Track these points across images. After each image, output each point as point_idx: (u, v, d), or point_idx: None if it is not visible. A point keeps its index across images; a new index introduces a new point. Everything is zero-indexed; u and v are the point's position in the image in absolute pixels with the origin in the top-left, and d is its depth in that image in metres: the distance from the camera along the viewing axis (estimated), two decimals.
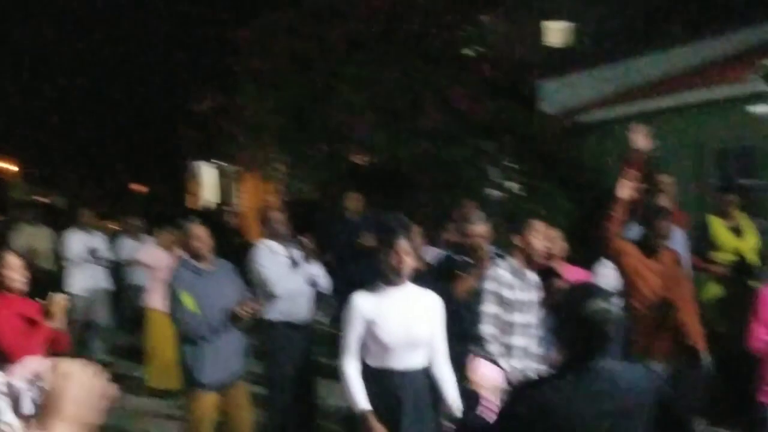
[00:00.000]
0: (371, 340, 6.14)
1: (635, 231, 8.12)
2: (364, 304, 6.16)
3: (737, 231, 10.60)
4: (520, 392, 4.46)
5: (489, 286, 6.98)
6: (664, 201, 8.83)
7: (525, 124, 15.42)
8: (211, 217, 18.42)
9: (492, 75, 15.79)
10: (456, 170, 15.21)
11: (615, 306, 4.28)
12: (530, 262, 7.12)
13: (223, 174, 32.76)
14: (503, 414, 4.46)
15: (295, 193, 19.35)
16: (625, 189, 7.50)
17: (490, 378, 6.25)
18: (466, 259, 7.77)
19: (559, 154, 15.25)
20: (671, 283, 7.49)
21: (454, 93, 15.27)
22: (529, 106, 15.79)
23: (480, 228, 7.85)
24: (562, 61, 16.62)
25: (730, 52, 15.05)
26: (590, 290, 4.41)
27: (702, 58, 15.41)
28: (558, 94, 15.92)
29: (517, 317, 6.98)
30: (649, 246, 7.65)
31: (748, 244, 10.50)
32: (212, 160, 32.12)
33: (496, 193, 15.71)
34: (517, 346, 6.95)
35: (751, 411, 7.25)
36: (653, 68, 15.73)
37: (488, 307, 6.93)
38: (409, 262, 6.16)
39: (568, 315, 4.30)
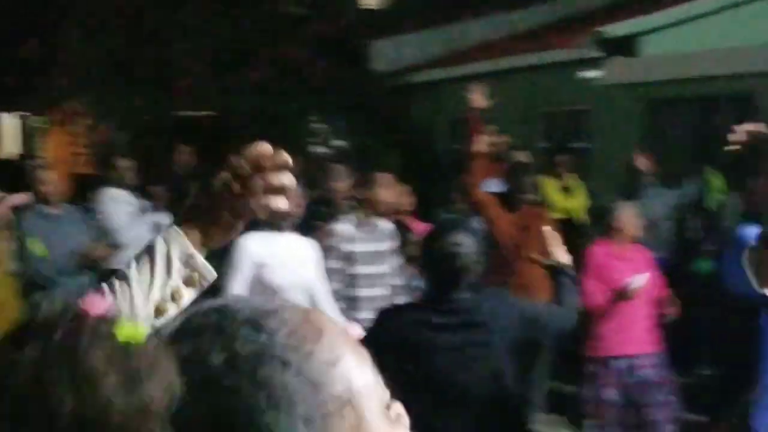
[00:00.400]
0: (259, 284, 6.09)
1: (495, 185, 8.30)
2: (253, 247, 6.11)
3: (567, 191, 10.98)
4: (382, 319, 4.55)
5: (330, 241, 7.02)
6: (524, 157, 9.03)
7: (355, 82, 15.49)
8: (15, 169, 17.75)
9: (324, 33, 15.78)
10: (284, 126, 15.16)
11: (470, 241, 4.42)
12: (378, 213, 7.19)
13: (27, 125, 31.70)
14: (365, 338, 4.55)
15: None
16: (482, 144, 7.65)
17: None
18: (328, 210, 7.84)
19: (388, 113, 15.40)
20: (528, 237, 7.67)
21: (285, 49, 15.21)
22: (359, 65, 15.85)
23: (342, 183, 7.94)
24: (393, 22, 16.71)
25: (564, 16, 15.45)
26: (449, 225, 4.57)
27: (535, 21, 15.76)
28: (389, 54, 16.01)
29: (362, 269, 7.04)
30: (510, 199, 7.83)
31: (578, 204, 10.89)
32: (15, 111, 31.01)
33: (322, 149, 15.76)
34: (364, 297, 7.02)
35: (581, 365, 7.51)
36: (485, 31, 16.00)
37: (330, 263, 6.97)
38: (299, 208, 6.19)
39: (427, 249, 4.45)
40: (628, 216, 7.46)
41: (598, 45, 11.58)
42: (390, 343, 4.33)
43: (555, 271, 4.77)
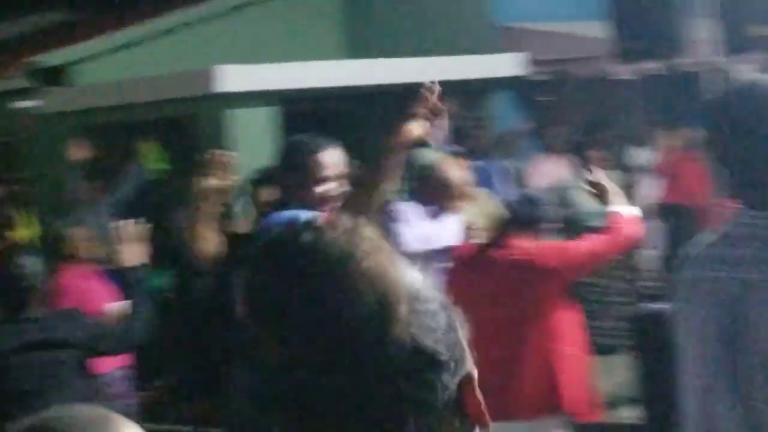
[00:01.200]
0: None
1: None
2: None
3: (10, 224, 10.92)
4: None
5: None
6: None
7: None
8: None
9: None
10: None
11: (37, 263, 4.69)
12: None
13: None
14: None
15: None
16: None
17: None
18: None
19: None
20: None
21: None
22: None
23: None
24: None
25: None
26: (14, 250, 4.76)
27: None
28: None
29: None
30: None
31: (28, 234, 10.85)
32: None
33: None
34: None
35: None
36: None
37: None
38: None
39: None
40: (81, 240, 7.86)
41: (32, 75, 11.55)
42: None
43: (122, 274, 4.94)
